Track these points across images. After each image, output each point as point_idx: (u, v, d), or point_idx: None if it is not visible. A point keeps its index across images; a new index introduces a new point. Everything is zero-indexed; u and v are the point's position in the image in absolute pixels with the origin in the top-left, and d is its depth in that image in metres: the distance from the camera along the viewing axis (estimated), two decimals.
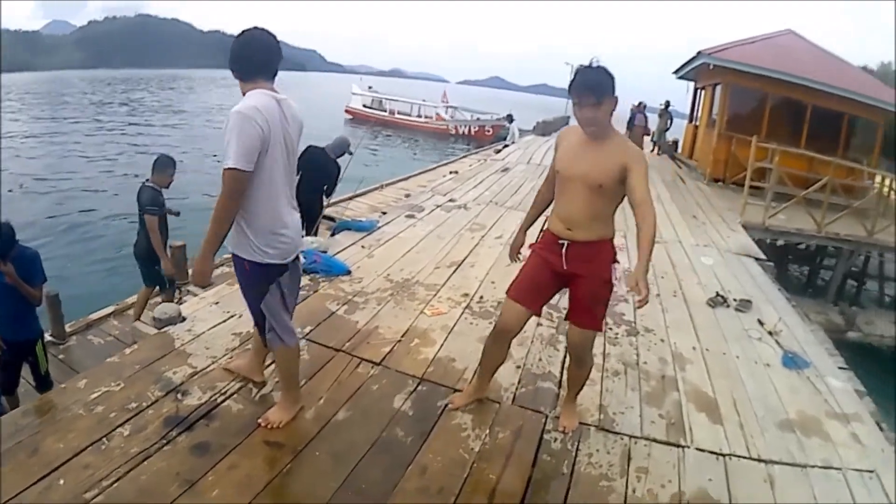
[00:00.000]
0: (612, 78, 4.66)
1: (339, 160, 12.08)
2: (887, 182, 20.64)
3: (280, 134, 4.64)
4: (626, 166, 4.70)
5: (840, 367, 8.11)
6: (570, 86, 4.67)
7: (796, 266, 23.74)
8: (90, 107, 67.51)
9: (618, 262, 5.16)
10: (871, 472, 5.70)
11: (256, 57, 4.69)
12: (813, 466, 5.69)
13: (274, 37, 4.77)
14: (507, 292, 5.42)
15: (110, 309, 9.22)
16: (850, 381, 7.71)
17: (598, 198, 4.88)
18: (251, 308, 5.10)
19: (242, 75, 4.70)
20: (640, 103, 31.04)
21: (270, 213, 4.73)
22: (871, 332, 16.70)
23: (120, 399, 5.28)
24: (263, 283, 4.91)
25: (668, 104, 31.36)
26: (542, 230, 5.44)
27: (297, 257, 5.21)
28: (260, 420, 5.19)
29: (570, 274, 5.13)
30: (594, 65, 4.68)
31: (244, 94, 4.60)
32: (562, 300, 5.87)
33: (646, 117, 30.04)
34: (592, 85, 4.64)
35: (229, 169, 4.39)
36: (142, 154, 38.14)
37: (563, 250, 5.06)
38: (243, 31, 4.77)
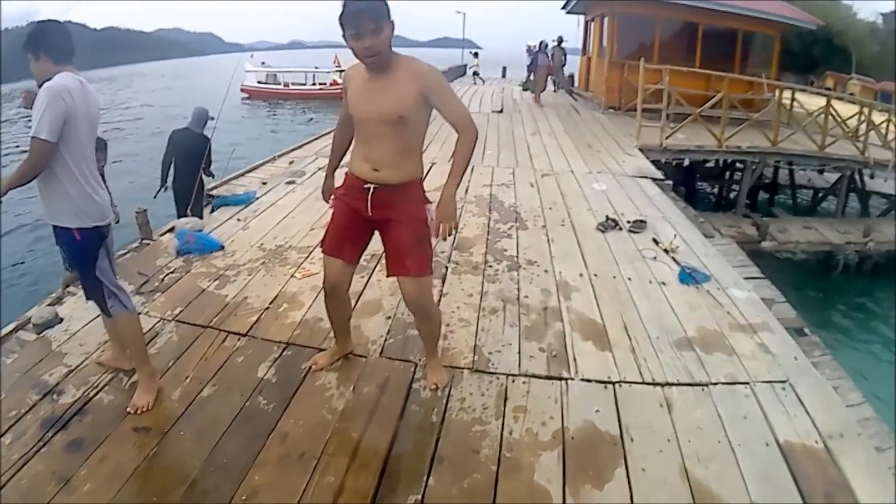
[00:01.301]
0: (385, 2, 4.39)
1: (205, 132, 11.65)
2: (787, 94, 20.63)
3: (85, 111, 4.76)
4: (424, 91, 4.46)
5: (747, 278, 7.98)
6: (342, 17, 4.36)
7: (706, 184, 24.00)
8: None
9: (430, 203, 4.87)
10: (783, 382, 5.50)
11: (67, 45, 4.88)
12: (716, 384, 5.47)
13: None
14: (321, 247, 5.21)
15: (12, 326, 8.82)
16: (755, 289, 7.53)
17: (400, 131, 4.58)
18: (86, 281, 5.07)
19: (55, 59, 4.81)
20: (541, 42, 31.08)
21: (85, 179, 4.80)
22: (786, 239, 16.80)
23: (3, 409, 5.12)
24: (94, 247, 4.93)
25: (560, 40, 31.47)
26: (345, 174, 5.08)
27: (110, 226, 5.14)
28: (128, 408, 5.04)
29: (381, 219, 4.86)
30: None
31: (50, 76, 4.69)
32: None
33: (548, 56, 29.21)
34: (367, 10, 4.30)
35: (39, 139, 4.48)
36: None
37: (369, 195, 4.74)
38: (50, 21, 4.98)
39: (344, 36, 4.41)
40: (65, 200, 4.74)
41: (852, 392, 5.56)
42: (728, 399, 5.22)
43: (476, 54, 45.67)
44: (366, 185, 4.69)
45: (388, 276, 5.08)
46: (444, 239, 4.51)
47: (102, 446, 4.59)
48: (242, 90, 64.69)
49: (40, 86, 4.83)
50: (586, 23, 32.33)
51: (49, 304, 6.84)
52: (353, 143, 4.90)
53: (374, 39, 4.30)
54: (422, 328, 5.34)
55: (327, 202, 5.38)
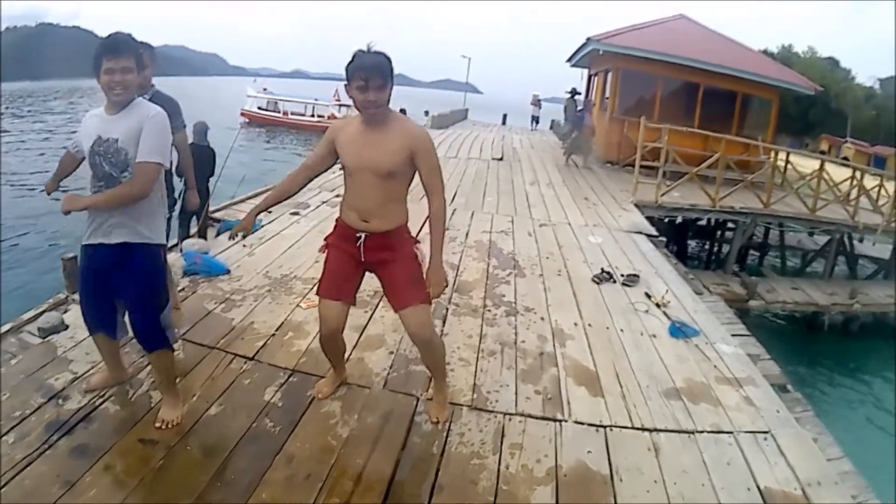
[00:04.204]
0: (391, 61, 4.66)
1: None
2: (781, 156, 20.82)
3: None
4: (413, 151, 4.75)
5: (734, 335, 8.11)
6: (351, 68, 4.60)
7: (696, 242, 24.13)
8: None
9: (419, 242, 5.23)
10: (765, 432, 5.68)
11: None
12: (701, 432, 5.64)
13: None
14: (317, 293, 5.37)
15: (7, 326, 8.91)
16: (742, 346, 7.69)
17: (389, 184, 4.85)
18: (155, 307, 5.05)
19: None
20: (573, 93, 30.35)
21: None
22: (773, 299, 16.97)
23: (6, 409, 5.18)
24: (165, 267, 5.14)
25: (574, 92, 31.28)
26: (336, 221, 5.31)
27: None
28: (156, 423, 5.11)
29: (375, 262, 5.11)
30: (372, 49, 4.65)
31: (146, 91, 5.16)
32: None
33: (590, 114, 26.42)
34: (378, 66, 4.57)
35: (155, 164, 4.69)
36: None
37: (361, 243, 5.00)
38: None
39: (348, 85, 4.65)
40: (158, 217, 4.92)
41: (832, 447, 5.69)
42: (713, 446, 5.38)
43: None
44: (357, 234, 4.95)
45: (394, 311, 5.19)
46: (436, 297, 4.84)
47: (108, 454, 4.68)
48: (242, 115, 64.49)
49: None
50: (590, 77, 32.38)
51: (53, 310, 6.95)
52: (344, 193, 5.10)
53: (379, 94, 4.58)
54: (428, 360, 5.49)
55: (232, 237, 5.66)
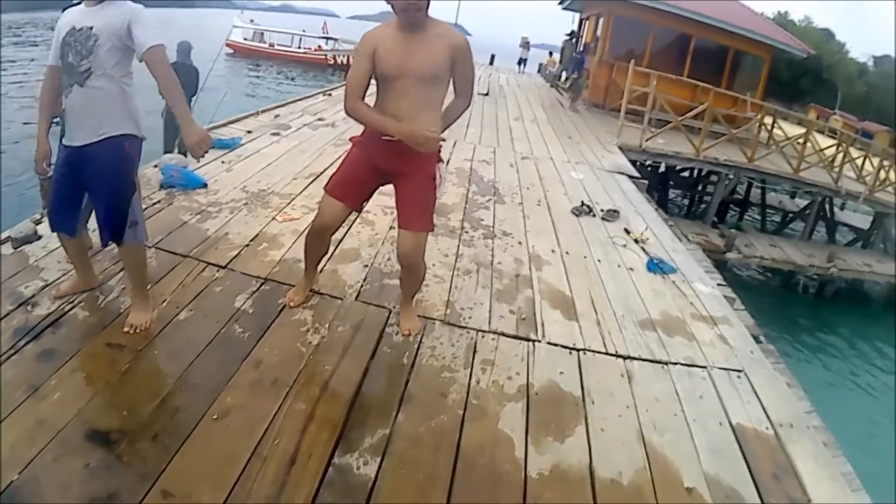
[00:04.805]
0: None
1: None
2: (767, 120, 20.73)
3: None
4: (454, 57, 4.65)
5: (713, 279, 8.08)
6: None
7: (679, 191, 24.17)
8: None
9: (441, 161, 5.06)
10: (738, 371, 5.68)
11: None
12: (675, 363, 5.63)
13: None
14: (324, 188, 5.20)
15: None
16: (719, 288, 7.69)
17: (430, 89, 4.70)
18: (117, 201, 4.88)
19: None
20: (571, 36, 31.09)
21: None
22: (751, 253, 17.00)
23: None
24: (136, 162, 4.97)
25: (573, 34, 31.16)
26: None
27: None
28: (125, 328, 5.04)
29: (395, 171, 4.95)
30: None
31: None
32: None
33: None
34: None
35: (161, 46, 4.64)
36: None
37: (389, 146, 4.76)
38: None
39: None
40: (124, 106, 4.75)
41: (803, 400, 5.61)
42: (686, 379, 5.38)
43: None
44: (384, 136, 4.71)
45: (397, 226, 5.12)
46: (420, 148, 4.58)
47: (74, 359, 4.63)
48: (228, 45, 64.18)
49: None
50: (581, 20, 32.41)
51: (30, 223, 6.89)
52: (377, 99, 4.88)
53: None
54: (407, 281, 5.43)
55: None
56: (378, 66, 4.70)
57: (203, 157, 4.74)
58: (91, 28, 4.50)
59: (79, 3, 4.96)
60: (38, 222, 6.87)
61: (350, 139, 5.23)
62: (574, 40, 30.36)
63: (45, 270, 5.94)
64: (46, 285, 5.64)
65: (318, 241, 5.36)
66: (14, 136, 21.76)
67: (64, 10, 5.04)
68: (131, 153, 4.83)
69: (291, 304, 5.62)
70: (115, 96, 4.70)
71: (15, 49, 50.83)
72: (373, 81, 4.82)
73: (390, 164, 4.85)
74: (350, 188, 5.05)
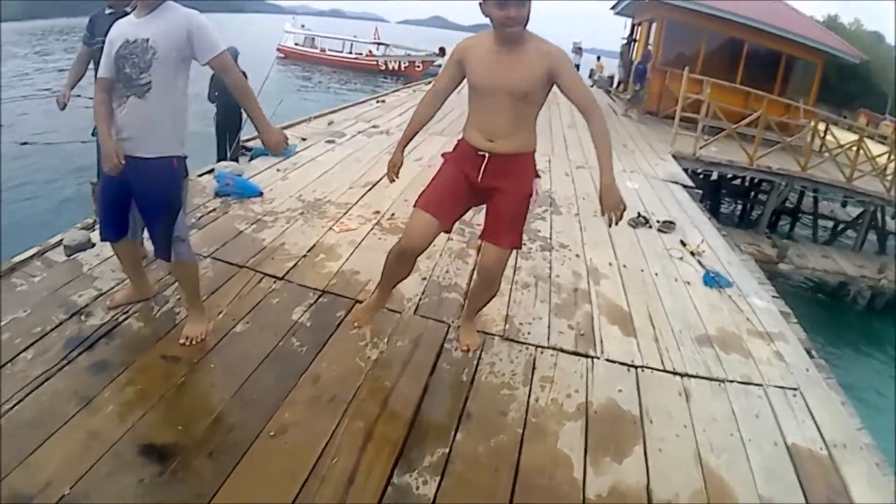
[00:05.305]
0: None
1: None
2: (821, 127, 20.53)
3: None
4: (552, 70, 4.39)
5: (767, 291, 8.01)
6: None
7: (730, 200, 24.03)
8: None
9: (539, 177, 4.91)
10: (794, 389, 5.61)
11: None
12: (732, 381, 5.57)
13: None
14: (415, 204, 4.96)
15: (34, 250, 8.94)
16: (774, 302, 7.61)
17: (522, 106, 4.55)
18: (165, 220, 4.90)
19: None
20: (628, 43, 30.77)
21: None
22: (803, 264, 16.86)
23: (26, 325, 5.15)
24: (182, 181, 4.98)
25: (632, 39, 30.96)
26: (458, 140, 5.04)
27: None
28: (181, 340, 5.08)
29: (490, 188, 4.77)
30: None
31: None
32: (475, 216, 5.89)
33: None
34: None
35: (225, 50, 4.70)
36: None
37: (484, 163, 4.69)
38: None
39: (483, 2, 4.40)
40: (179, 125, 4.80)
41: (853, 418, 5.54)
42: (742, 397, 5.32)
43: None
44: (480, 153, 4.66)
45: (481, 238, 4.98)
46: (615, 223, 4.37)
47: (129, 371, 4.67)
48: (279, 50, 64.53)
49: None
50: (633, 26, 32.09)
51: (81, 229, 6.93)
52: (469, 113, 4.81)
53: (520, 10, 4.27)
54: (481, 294, 5.35)
55: (393, 179, 5.39)
56: (469, 77, 4.68)
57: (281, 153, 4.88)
58: (147, 40, 4.51)
59: (120, 13, 5.12)
60: (89, 228, 6.94)
61: (442, 154, 5.15)
62: (631, 44, 30.20)
63: (99, 279, 6.01)
64: (100, 294, 5.70)
65: (403, 262, 5.18)
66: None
67: (112, 22, 5.05)
68: (178, 173, 4.89)
69: (357, 323, 5.54)
70: (173, 114, 4.74)
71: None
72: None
73: (488, 180, 4.72)
74: (446, 205, 4.87)
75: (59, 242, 6.73)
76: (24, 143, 23.34)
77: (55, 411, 4.17)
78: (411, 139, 5.26)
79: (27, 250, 8.55)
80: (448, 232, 5.15)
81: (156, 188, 4.78)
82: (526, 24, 4.39)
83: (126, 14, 5.17)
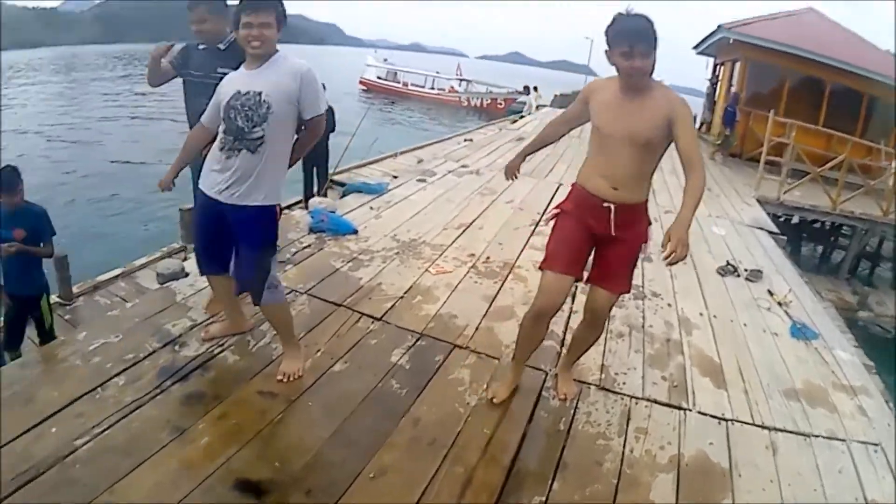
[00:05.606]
0: (654, 27, 4.34)
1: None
2: None
3: None
4: (671, 118, 4.40)
5: (849, 341, 8.02)
6: (616, 33, 4.37)
7: (811, 244, 23.73)
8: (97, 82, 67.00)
9: (651, 223, 4.99)
10: (876, 445, 5.58)
11: None
12: (817, 436, 5.58)
13: None
14: (542, 266, 4.97)
15: (118, 271, 9.19)
16: (857, 354, 7.61)
17: (644, 154, 4.57)
18: (261, 266, 5.06)
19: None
20: (712, 81, 30.48)
21: None
22: (882, 312, 16.52)
23: (118, 350, 5.32)
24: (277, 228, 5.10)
25: (716, 80, 30.58)
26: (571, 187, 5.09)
27: None
28: (278, 376, 5.22)
29: (612, 237, 4.79)
30: (631, 12, 4.37)
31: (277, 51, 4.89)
32: None
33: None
34: (645, 31, 4.31)
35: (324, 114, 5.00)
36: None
37: (612, 215, 4.69)
38: None
39: (609, 49, 4.44)
40: (281, 176, 4.96)
41: None
42: (826, 452, 5.34)
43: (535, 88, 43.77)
44: (605, 204, 4.66)
45: (585, 282, 5.08)
46: (674, 262, 4.19)
47: (224, 404, 4.80)
48: (361, 83, 64.78)
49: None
50: (715, 66, 31.82)
51: (171, 257, 7.12)
52: (589, 158, 4.89)
53: (644, 61, 4.33)
54: (585, 338, 5.40)
55: (509, 178, 5.56)
56: (593, 119, 4.74)
57: None
58: (260, 93, 4.64)
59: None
60: (176, 254, 7.14)
61: (558, 206, 5.10)
62: (714, 86, 29.96)
63: (193, 310, 6.20)
64: (194, 325, 5.89)
65: (540, 325, 5.09)
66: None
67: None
68: (277, 219, 5.04)
69: (495, 400, 5.34)
70: (280, 166, 4.92)
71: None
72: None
73: (607, 229, 4.70)
74: (575, 259, 4.88)
75: (144, 266, 6.97)
76: (114, 162, 24.07)
77: (147, 439, 4.32)
78: (532, 153, 5.46)
79: (112, 270, 8.87)
80: (581, 281, 5.11)
81: (258, 234, 4.96)
82: (651, 73, 4.45)
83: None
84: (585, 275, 5.04)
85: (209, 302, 6.28)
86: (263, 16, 4.61)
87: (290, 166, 5.07)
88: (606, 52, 4.46)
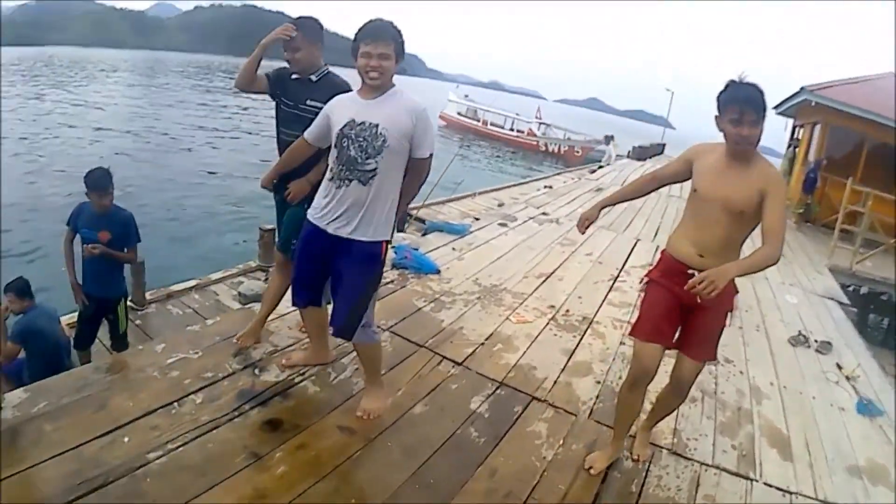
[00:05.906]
0: (765, 96, 4.41)
1: None
2: None
3: None
4: (765, 191, 4.38)
5: None
6: (727, 98, 4.43)
7: (877, 316, 23.50)
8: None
9: (737, 291, 4.95)
10: None
11: None
12: None
13: None
14: (633, 334, 5.05)
15: (193, 282, 9.40)
16: None
17: (736, 224, 4.58)
18: (365, 301, 5.08)
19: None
20: (791, 145, 30.27)
21: None
22: None
23: (196, 367, 5.54)
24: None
25: (796, 143, 30.45)
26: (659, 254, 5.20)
27: None
28: (359, 412, 5.32)
29: (699, 306, 4.76)
30: (745, 80, 4.44)
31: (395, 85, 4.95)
32: None
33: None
34: (755, 100, 4.34)
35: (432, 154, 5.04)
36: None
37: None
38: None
39: (719, 116, 4.49)
40: (392, 210, 4.98)
41: None
42: None
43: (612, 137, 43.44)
44: (690, 271, 4.61)
45: (674, 347, 5.03)
46: (699, 291, 4.09)
47: (302, 434, 4.89)
48: (441, 118, 64.75)
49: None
50: (794, 127, 31.60)
51: (251, 277, 7.30)
52: (683, 221, 4.95)
53: (752, 130, 4.37)
54: (671, 402, 5.44)
55: (581, 228, 5.34)
56: (694, 180, 4.78)
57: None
58: (377, 125, 4.70)
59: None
60: (261, 276, 7.30)
61: (647, 275, 5.17)
62: (794, 148, 29.75)
63: (275, 335, 6.35)
64: (275, 351, 6.07)
65: (637, 393, 5.13)
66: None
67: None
68: (383, 257, 5.07)
69: (592, 471, 5.29)
70: (392, 202, 4.95)
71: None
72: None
73: (693, 297, 4.47)
74: (665, 327, 4.92)
75: (220, 280, 7.16)
76: (213, 173, 24.70)
77: (222, 461, 4.42)
78: (611, 205, 5.50)
79: (186, 280, 9.13)
80: (672, 347, 5.05)
81: (363, 270, 4.99)
82: (757, 144, 4.49)
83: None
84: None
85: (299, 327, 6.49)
86: (382, 46, 4.69)
87: (397, 213, 5.07)
88: (716, 117, 4.52)
